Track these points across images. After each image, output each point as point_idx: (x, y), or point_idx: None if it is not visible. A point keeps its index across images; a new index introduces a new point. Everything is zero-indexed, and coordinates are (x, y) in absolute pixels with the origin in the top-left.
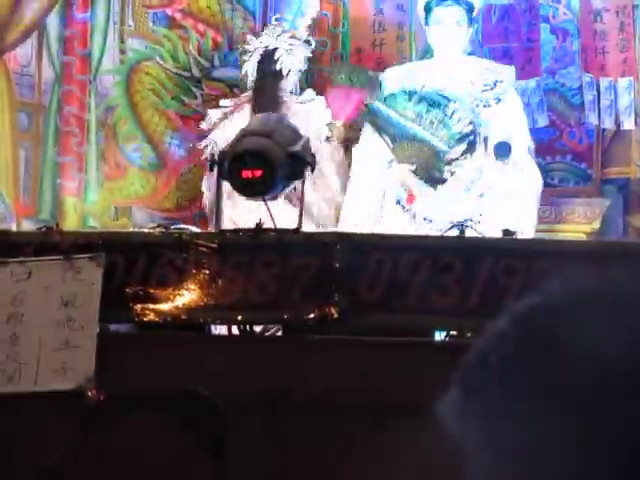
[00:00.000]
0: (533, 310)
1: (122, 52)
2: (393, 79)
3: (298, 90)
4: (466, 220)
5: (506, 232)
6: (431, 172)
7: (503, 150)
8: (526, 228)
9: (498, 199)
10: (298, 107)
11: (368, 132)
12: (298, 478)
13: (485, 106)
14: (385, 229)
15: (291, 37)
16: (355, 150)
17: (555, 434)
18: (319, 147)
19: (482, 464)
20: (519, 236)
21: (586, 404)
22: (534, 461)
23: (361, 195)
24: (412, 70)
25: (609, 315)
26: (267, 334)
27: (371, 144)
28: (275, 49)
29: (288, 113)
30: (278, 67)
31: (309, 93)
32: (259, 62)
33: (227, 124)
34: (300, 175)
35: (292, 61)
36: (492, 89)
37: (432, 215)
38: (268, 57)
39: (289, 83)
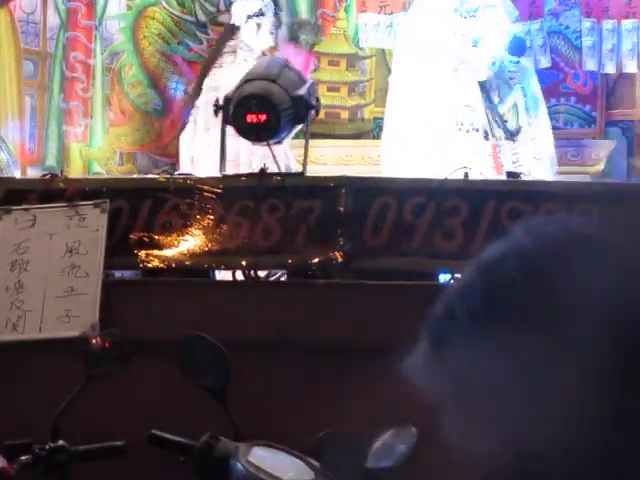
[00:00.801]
0: (501, 259)
1: None
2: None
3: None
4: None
5: (510, 174)
6: None
7: (518, 46)
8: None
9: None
10: (246, 55)
11: None
12: (298, 421)
13: None
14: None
15: None
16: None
17: (530, 383)
18: None
19: (452, 415)
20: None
21: (558, 352)
22: (508, 413)
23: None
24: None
25: (587, 261)
26: (271, 279)
27: None
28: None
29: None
30: (233, 20)
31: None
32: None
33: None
34: (304, 119)
35: (245, 10)
36: None
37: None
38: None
39: (243, 33)
